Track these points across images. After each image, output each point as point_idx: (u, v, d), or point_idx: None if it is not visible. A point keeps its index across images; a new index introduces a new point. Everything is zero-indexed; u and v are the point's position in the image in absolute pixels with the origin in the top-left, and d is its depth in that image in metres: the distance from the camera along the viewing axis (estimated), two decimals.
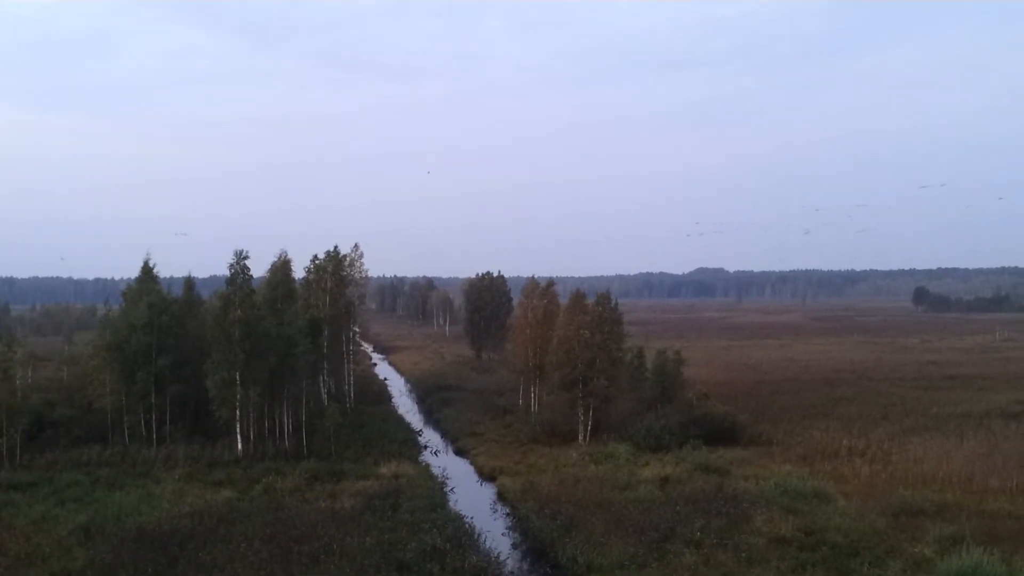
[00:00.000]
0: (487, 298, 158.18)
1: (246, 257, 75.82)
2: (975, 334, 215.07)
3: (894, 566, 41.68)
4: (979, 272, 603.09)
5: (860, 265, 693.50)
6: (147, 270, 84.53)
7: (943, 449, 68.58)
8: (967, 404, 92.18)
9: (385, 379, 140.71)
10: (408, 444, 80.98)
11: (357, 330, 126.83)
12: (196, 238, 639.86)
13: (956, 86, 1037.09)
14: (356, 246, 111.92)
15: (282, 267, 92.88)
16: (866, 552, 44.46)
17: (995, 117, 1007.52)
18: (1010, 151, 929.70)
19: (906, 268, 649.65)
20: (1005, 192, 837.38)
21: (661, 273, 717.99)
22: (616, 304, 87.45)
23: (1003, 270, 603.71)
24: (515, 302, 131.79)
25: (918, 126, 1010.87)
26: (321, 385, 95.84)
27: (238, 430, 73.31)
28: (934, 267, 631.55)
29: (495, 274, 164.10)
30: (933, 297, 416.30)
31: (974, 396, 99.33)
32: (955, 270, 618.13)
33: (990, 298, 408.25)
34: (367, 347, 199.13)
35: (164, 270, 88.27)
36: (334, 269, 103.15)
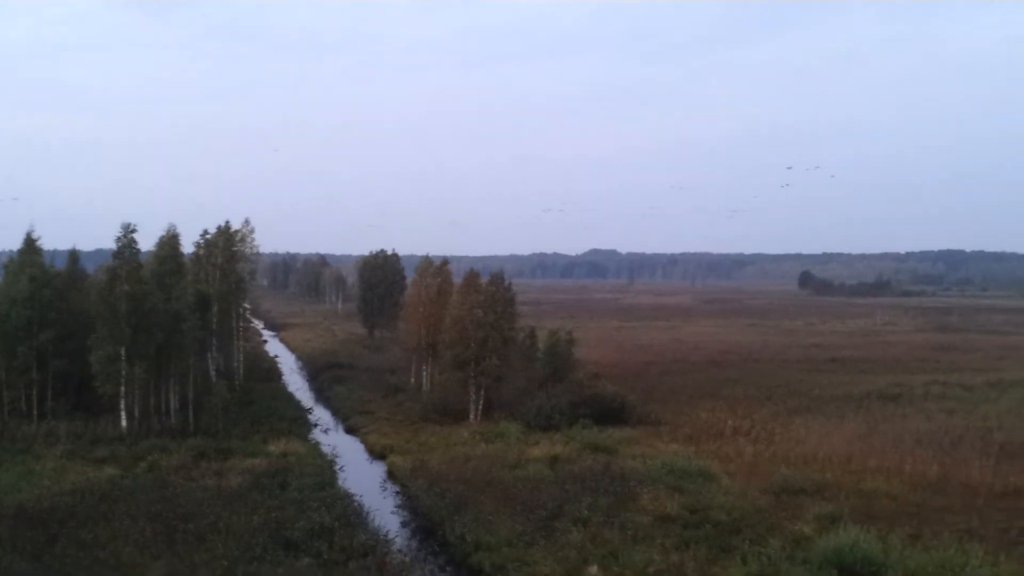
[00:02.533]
0: (381, 276, 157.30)
1: (134, 230, 74.10)
2: (857, 318, 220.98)
3: (774, 543, 42.70)
4: (862, 257, 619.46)
5: (749, 249, 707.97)
6: (30, 242, 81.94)
7: (824, 430, 70.46)
8: (848, 386, 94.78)
9: (276, 356, 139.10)
10: (298, 422, 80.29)
11: (248, 307, 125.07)
12: (81, 210, 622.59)
13: (840, 76, 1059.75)
14: (247, 221, 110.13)
15: (170, 241, 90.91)
16: (748, 529, 45.51)
17: (875, 107, 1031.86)
18: (890, 139, 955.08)
19: (792, 252, 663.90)
20: (887, 180, 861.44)
21: (555, 254, 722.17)
22: (509, 284, 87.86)
23: (885, 255, 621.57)
24: (409, 280, 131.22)
25: (804, 115, 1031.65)
26: (209, 362, 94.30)
27: (123, 407, 71.77)
28: (819, 252, 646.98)
29: (389, 252, 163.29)
30: (818, 281, 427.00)
31: (855, 378, 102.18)
32: (839, 255, 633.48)
33: (872, 283, 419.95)
34: (258, 324, 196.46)
35: (50, 242, 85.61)
36: (224, 244, 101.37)
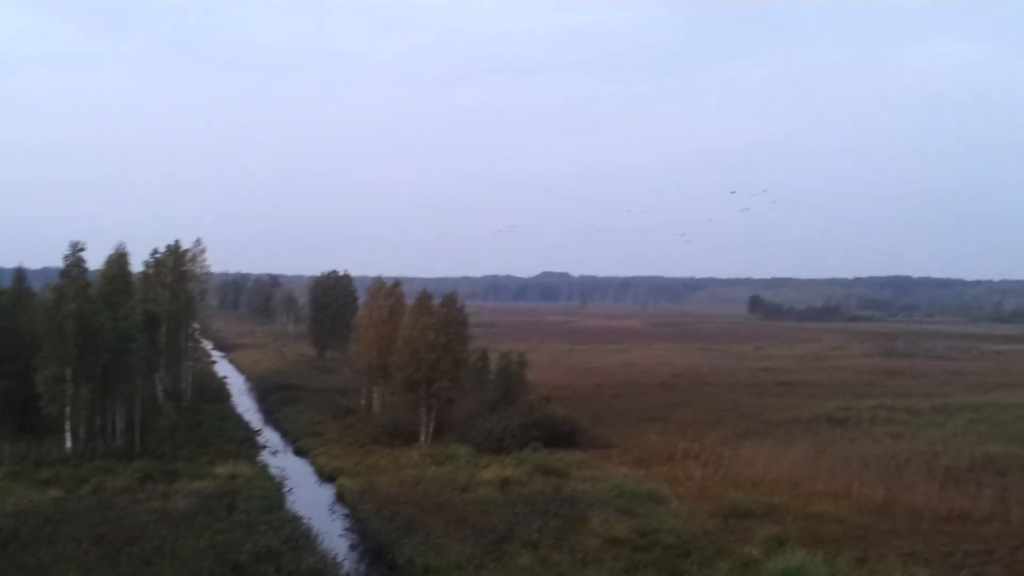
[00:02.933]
0: (332, 297, 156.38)
1: (82, 249, 73.33)
2: (806, 342, 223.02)
3: (723, 566, 42.97)
4: (811, 282, 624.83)
5: (699, 273, 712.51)
6: None
7: (773, 453, 70.92)
8: (797, 410, 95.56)
9: (225, 377, 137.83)
10: (246, 444, 79.53)
11: (197, 327, 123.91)
12: (28, 228, 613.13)
13: (796, 101, 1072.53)
14: (198, 241, 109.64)
15: (118, 260, 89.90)
16: (697, 552, 45.71)
17: (828, 132, 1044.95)
18: (841, 165, 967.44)
19: (743, 277, 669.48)
20: (837, 206, 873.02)
21: (507, 276, 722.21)
22: (462, 306, 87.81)
23: (833, 281, 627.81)
24: (361, 302, 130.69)
25: (759, 138, 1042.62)
26: (157, 382, 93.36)
27: (68, 427, 70.71)
28: (769, 277, 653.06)
29: (341, 273, 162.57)
30: (767, 306, 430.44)
31: (803, 402, 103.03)
32: (789, 280, 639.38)
33: (821, 308, 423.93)
34: (207, 344, 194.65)
35: None
36: (174, 264, 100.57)
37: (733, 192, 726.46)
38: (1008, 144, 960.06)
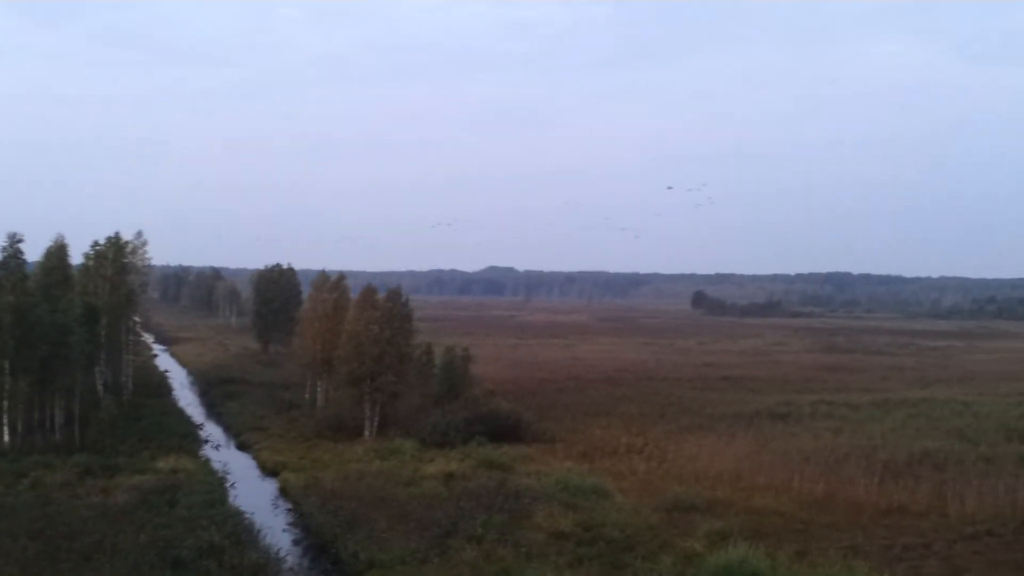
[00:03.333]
0: (276, 290, 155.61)
1: (19, 240, 72.26)
2: (748, 338, 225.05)
3: (666, 560, 43.21)
4: (753, 278, 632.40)
5: (644, 268, 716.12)
6: None
7: (716, 447, 71.46)
8: (739, 405, 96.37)
9: (166, 371, 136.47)
10: (188, 438, 78.74)
11: (138, 320, 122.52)
12: None
13: (739, 99, 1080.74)
14: (139, 233, 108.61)
15: (57, 252, 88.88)
16: (640, 546, 45.93)
17: (771, 131, 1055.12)
18: (784, 163, 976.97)
19: (687, 273, 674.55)
20: (779, 203, 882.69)
21: (452, 270, 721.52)
22: (407, 300, 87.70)
23: (775, 277, 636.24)
24: (305, 295, 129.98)
25: (701, 137, 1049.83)
26: (97, 376, 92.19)
27: (5, 421, 69.67)
28: (712, 272, 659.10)
29: (285, 266, 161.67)
30: (711, 301, 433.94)
31: (746, 397, 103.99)
32: (732, 276, 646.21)
33: (763, 303, 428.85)
34: (148, 338, 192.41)
35: None
36: (115, 256, 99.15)
37: (669, 187, 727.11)
38: (948, 143, 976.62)
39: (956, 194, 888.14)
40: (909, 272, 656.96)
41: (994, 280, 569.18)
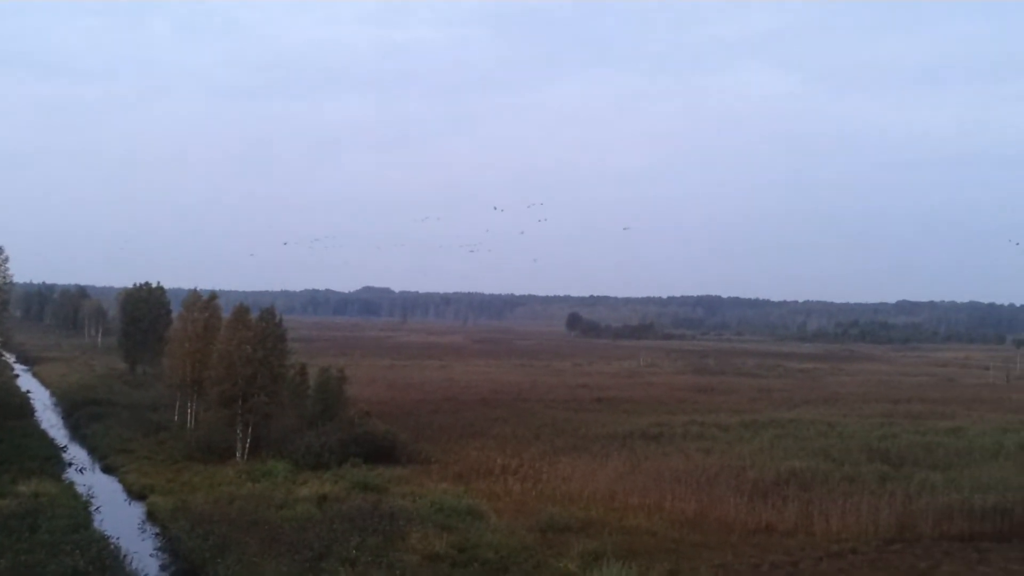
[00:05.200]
0: (144, 309, 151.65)
1: None
2: (622, 359, 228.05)
3: None
4: (627, 301, 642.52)
5: (519, 290, 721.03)
6: None
7: (590, 468, 72.07)
8: (613, 426, 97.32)
9: (28, 392, 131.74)
10: (51, 461, 76.13)
11: None
12: None
13: (609, 123, 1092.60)
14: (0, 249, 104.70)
15: None
16: (515, 567, 46.08)
17: (639, 155, 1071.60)
18: (653, 187, 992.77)
19: (561, 295, 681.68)
20: (651, 226, 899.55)
21: (327, 290, 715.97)
22: (280, 320, 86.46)
23: (648, 299, 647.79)
24: (175, 315, 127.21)
25: (573, 158, 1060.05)
26: None
27: None
28: (587, 295, 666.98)
29: (154, 285, 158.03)
30: (585, 323, 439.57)
31: (619, 418, 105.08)
32: (605, 298, 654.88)
33: (636, 326, 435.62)
34: (10, 357, 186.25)
35: None
36: None
37: (496, 208, 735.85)
38: (812, 169, 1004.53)
39: (820, 220, 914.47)
40: (776, 296, 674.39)
41: (857, 304, 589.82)
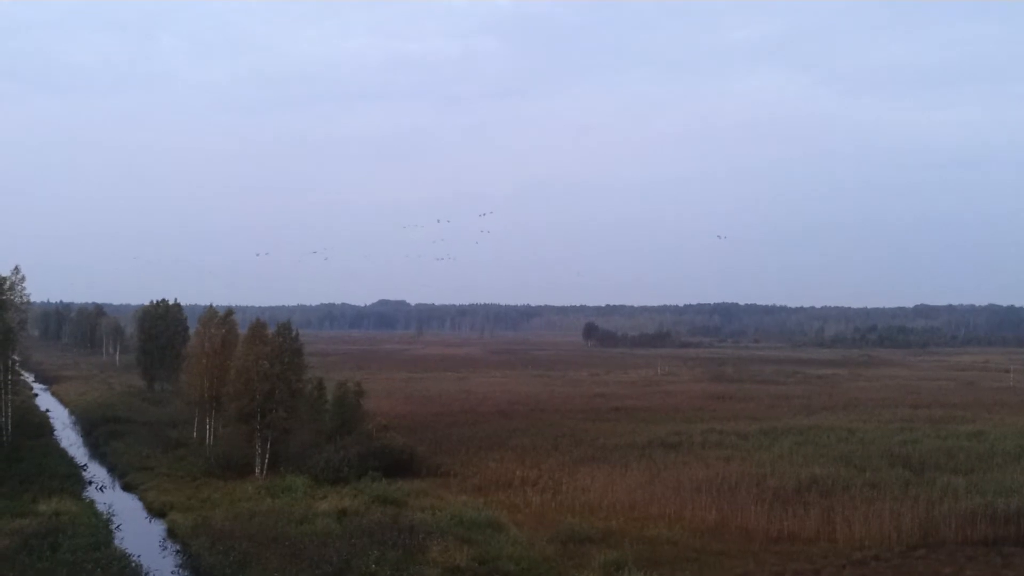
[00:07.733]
0: (161, 327, 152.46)
1: None
2: (639, 368, 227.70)
3: None
4: (643, 309, 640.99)
5: (535, 301, 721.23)
6: None
7: (609, 478, 71.88)
8: (631, 435, 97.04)
9: (47, 410, 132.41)
10: (71, 479, 76.45)
11: (17, 359, 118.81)
12: None
13: (622, 131, 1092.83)
14: (17, 269, 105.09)
15: None
16: None
17: (649, 164, 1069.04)
18: (668, 196, 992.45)
19: (577, 304, 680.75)
20: (666, 235, 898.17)
21: (343, 304, 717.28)
22: (297, 334, 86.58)
23: (664, 308, 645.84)
24: (192, 331, 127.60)
25: (585, 167, 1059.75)
26: None
27: None
28: (603, 304, 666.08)
29: (171, 302, 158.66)
30: (602, 332, 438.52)
31: (637, 427, 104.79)
32: (622, 307, 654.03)
33: (653, 334, 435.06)
34: (28, 377, 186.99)
35: None
36: None
37: (445, 220, 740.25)
38: (826, 174, 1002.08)
39: (837, 226, 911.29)
40: (793, 302, 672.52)
41: (875, 309, 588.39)
